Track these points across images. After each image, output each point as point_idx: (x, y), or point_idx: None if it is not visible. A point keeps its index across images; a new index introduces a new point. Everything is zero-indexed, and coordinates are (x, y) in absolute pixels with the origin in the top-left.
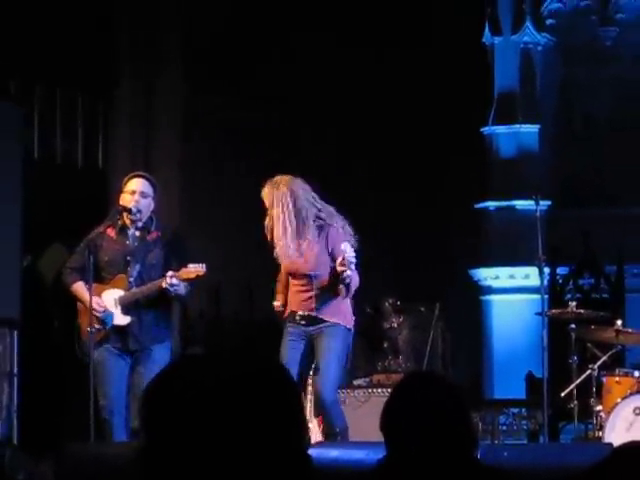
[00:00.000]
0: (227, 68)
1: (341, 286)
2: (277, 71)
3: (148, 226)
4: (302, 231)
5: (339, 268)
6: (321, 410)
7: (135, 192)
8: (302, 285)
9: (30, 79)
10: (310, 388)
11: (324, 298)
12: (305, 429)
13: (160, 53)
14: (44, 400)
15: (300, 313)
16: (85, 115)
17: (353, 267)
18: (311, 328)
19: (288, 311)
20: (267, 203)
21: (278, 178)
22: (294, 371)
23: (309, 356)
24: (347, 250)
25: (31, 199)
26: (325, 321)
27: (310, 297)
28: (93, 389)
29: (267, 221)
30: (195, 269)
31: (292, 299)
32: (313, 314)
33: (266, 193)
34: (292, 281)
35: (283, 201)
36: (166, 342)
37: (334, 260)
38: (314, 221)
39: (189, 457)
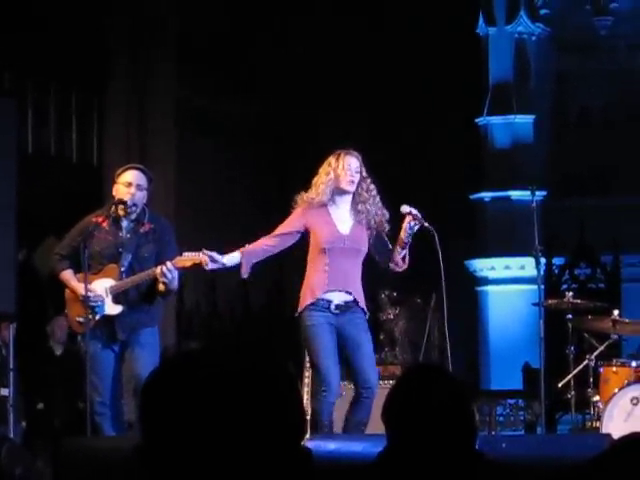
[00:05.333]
0: (220, 64)
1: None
2: (271, 69)
3: (141, 218)
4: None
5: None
6: (368, 402)
7: (131, 184)
8: (347, 264)
9: (24, 74)
10: (307, 380)
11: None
12: (303, 423)
13: (154, 49)
14: (40, 394)
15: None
16: (79, 110)
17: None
18: (345, 317)
19: (314, 297)
20: (356, 167)
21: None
22: (336, 361)
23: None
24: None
25: (26, 193)
26: (363, 311)
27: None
28: (87, 382)
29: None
30: (192, 257)
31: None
32: (352, 300)
33: (356, 160)
34: (333, 258)
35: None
36: (154, 327)
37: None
38: None
39: (187, 454)
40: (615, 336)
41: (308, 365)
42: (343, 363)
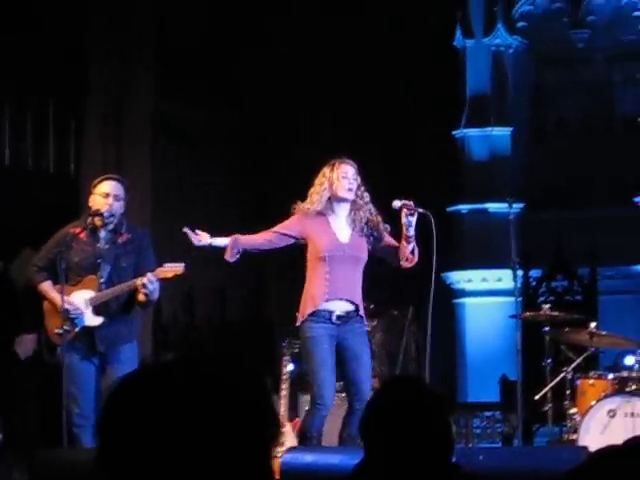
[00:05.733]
0: (198, 74)
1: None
2: (247, 77)
3: (118, 228)
4: None
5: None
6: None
7: (108, 195)
8: (348, 272)
9: (1, 85)
10: (284, 392)
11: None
12: (275, 434)
13: (131, 59)
14: (15, 405)
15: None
16: (56, 121)
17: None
18: (346, 327)
19: (315, 306)
20: (353, 175)
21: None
22: (333, 380)
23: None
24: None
25: (2, 205)
26: (363, 320)
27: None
28: (65, 393)
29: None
30: (172, 268)
31: (330, 288)
32: (354, 310)
33: (352, 168)
34: (333, 267)
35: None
36: (133, 342)
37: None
38: None
39: (147, 466)
40: (592, 348)
41: (285, 377)
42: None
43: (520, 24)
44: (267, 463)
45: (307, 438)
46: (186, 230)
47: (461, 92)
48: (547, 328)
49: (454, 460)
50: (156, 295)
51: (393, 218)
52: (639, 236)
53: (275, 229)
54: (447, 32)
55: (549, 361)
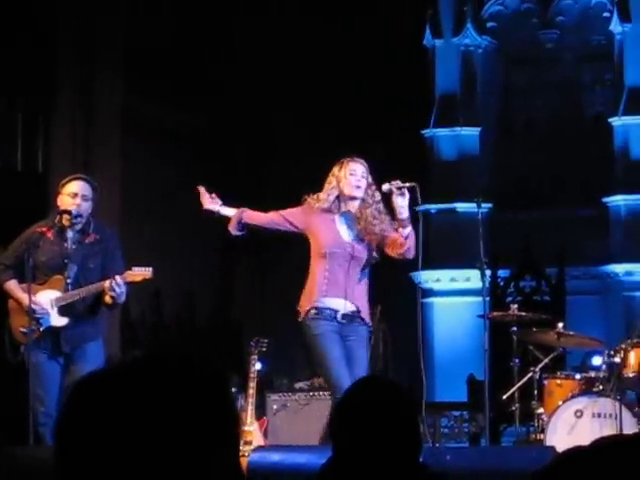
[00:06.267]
0: (166, 73)
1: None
2: (215, 76)
3: (86, 229)
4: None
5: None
6: None
7: (76, 195)
8: (348, 270)
9: None
10: (251, 391)
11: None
12: (238, 440)
13: (99, 57)
14: None
15: (343, 308)
16: (24, 119)
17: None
18: (350, 328)
19: (311, 302)
20: (362, 172)
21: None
22: (345, 366)
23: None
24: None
25: None
26: (365, 323)
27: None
28: (31, 393)
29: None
30: (141, 272)
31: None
32: (356, 310)
33: (361, 166)
34: (333, 264)
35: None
36: (99, 341)
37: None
38: None
39: (105, 468)
40: (560, 349)
41: (252, 376)
42: None
43: (489, 24)
44: (233, 462)
45: None
46: (201, 189)
47: (430, 92)
48: (515, 328)
49: (421, 460)
50: (123, 298)
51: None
52: (607, 236)
53: (282, 212)
54: (417, 31)
55: (517, 361)
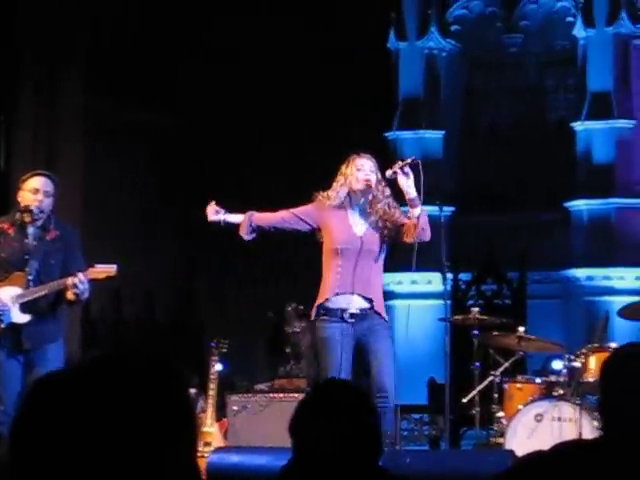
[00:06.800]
0: (129, 74)
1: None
2: (181, 78)
3: (47, 225)
4: None
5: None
6: (384, 411)
7: (38, 191)
8: (362, 266)
9: None
10: (211, 392)
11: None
12: (194, 440)
13: (61, 56)
14: None
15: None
16: None
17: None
18: (363, 325)
19: (324, 298)
20: (370, 167)
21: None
22: (345, 375)
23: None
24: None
25: None
26: (381, 316)
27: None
28: None
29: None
30: (105, 269)
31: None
32: (369, 306)
33: (369, 161)
34: (346, 260)
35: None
36: (60, 340)
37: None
38: None
39: (62, 467)
40: (520, 352)
41: (213, 377)
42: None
43: (454, 27)
44: (188, 462)
45: None
46: (211, 204)
47: (394, 95)
48: (476, 331)
49: (381, 463)
50: (86, 295)
51: None
52: (569, 241)
53: (293, 210)
54: (381, 34)
55: (477, 364)
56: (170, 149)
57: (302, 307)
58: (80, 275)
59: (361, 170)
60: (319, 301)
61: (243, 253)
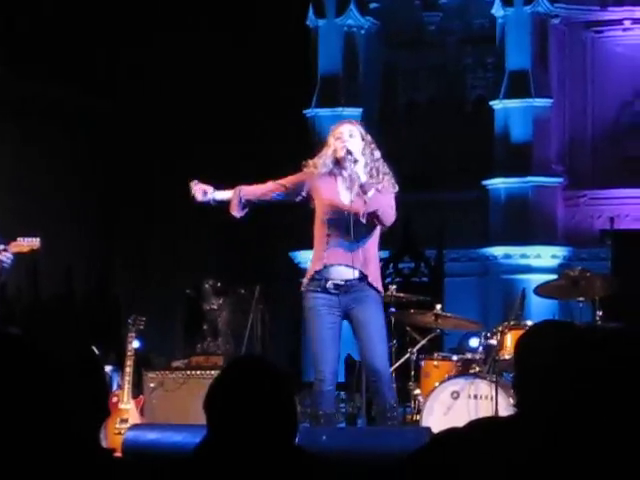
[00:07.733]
0: (49, 52)
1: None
2: (101, 57)
3: None
4: None
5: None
6: (378, 386)
7: None
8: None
9: None
10: (128, 369)
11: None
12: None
13: None
14: None
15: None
16: None
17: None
18: (350, 297)
19: (313, 270)
20: (348, 132)
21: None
22: (331, 347)
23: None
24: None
25: None
26: (371, 287)
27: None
28: None
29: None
30: (29, 243)
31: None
32: (359, 276)
33: (348, 125)
34: (334, 229)
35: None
36: None
37: None
38: None
39: None
40: (437, 330)
41: (130, 354)
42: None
43: (372, 5)
44: (95, 436)
45: (316, 417)
46: (193, 183)
47: (313, 72)
48: (393, 309)
49: (297, 440)
50: (9, 269)
51: None
52: (486, 219)
53: (281, 181)
54: (300, 11)
55: (394, 342)
56: (91, 129)
57: (219, 284)
58: (4, 248)
59: (339, 138)
60: (308, 272)
61: (162, 228)
